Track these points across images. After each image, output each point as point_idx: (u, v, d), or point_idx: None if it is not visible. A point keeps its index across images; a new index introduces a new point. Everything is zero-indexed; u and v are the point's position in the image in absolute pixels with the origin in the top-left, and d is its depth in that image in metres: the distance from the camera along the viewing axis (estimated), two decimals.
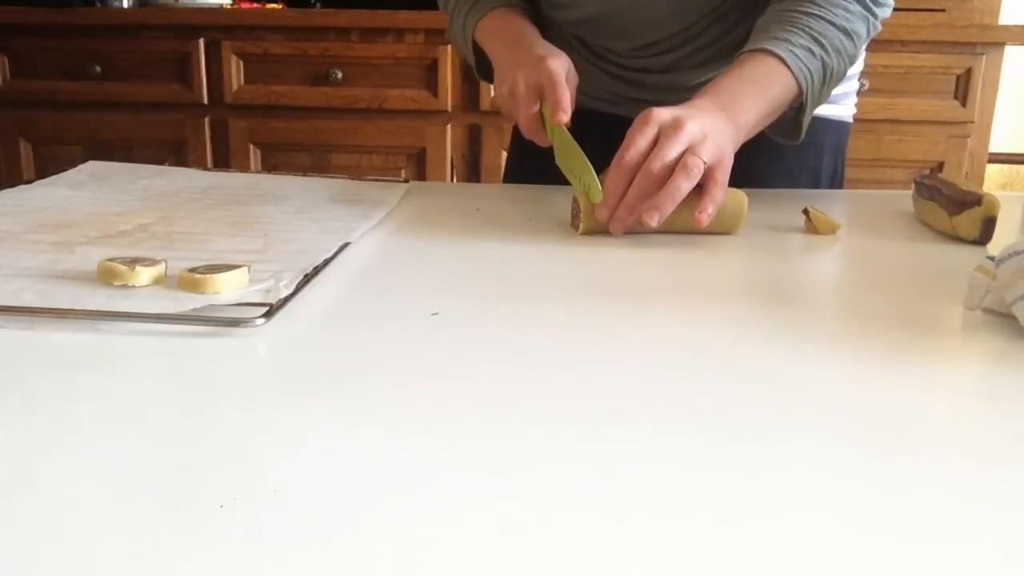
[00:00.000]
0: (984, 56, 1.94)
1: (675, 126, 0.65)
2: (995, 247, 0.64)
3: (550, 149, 0.77)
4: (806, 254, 0.65)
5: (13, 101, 2.08)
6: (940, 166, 2.00)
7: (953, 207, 0.69)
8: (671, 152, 0.64)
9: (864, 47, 0.82)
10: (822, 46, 0.75)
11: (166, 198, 0.75)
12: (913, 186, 0.78)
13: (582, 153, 0.70)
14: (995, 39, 1.93)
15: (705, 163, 0.64)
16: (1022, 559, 0.26)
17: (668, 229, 0.69)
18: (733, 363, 0.42)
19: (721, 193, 0.66)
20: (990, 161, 2.07)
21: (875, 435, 0.34)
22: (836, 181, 1.01)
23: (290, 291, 0.49)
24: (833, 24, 0.76)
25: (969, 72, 1.95)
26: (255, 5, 2.13)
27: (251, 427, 0.34)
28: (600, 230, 0.68)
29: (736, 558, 0.26)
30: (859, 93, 1.01)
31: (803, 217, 0.72)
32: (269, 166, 2.09)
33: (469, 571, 0.25)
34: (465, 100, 2.02)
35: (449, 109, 2.02)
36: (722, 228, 0.70)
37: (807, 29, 0.75)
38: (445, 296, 0.51)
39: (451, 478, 0.30)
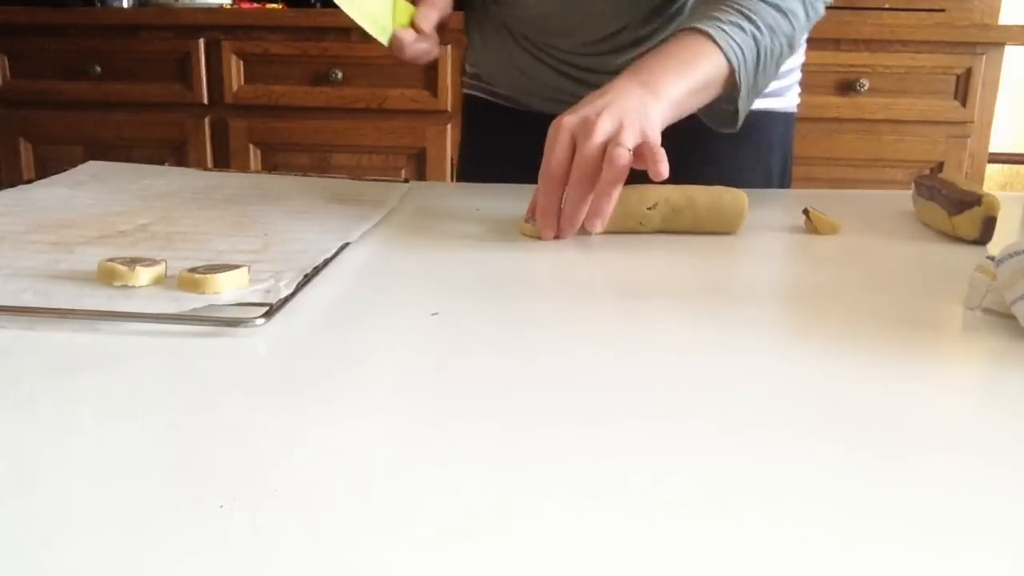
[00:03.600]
0: (984, 56, 1.94)
1: (586, 126, 0.64)
2: (995, 247, 0.64)
3: (499, 145, 0.78)
4: (806, 254, 0.65)
5: (13, 101, 2.08)
6: (940, 166, 2.00)
7: (953, 207, 0.69)
8: (591, 153, 0.63)
9: (806, 31, 0.79)
10: (753, 23, 0.74)
11: (166, 198, 0.75)
12: (913, 186, 0.78)
13: None
14: (995, 39, 1.93)
15: (629, 149, 0.63)
16: (1022, 559, 0.26)
17: (668, 229, 0.69)
18: (733, 363, 0.42)
19: (663, 166, 0.64)
20: (990, 161, 2.07)
21: (875, 435, 0.34)
22: (787, 175, 1.01)
23: (290, 291, 0.49)
24: (765, 1, 0.74)
25: (969, 72, 1.95)
26: (255, 5, 2.13)
27: (251, 427, 0.34)
28: (615, 229, 0.68)
29: (737, 557, 0.26)
30: (798, 85, 0.99)
31: (803, 217, 0.72)
32: (269, 166, 2.09)
33: (469, 571, 0.25)
34: None
35: (449, 109, 2.02)
36: (722, 228, 0.70)
37: (736, 6, 0.74)
38: (445, 296, 0.51)
39: (451, 478, 0.30)
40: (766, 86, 0.79)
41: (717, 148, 0.91)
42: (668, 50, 0.73)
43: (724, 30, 0.73)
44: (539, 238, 0.67)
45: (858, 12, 2.04)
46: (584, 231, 0.66)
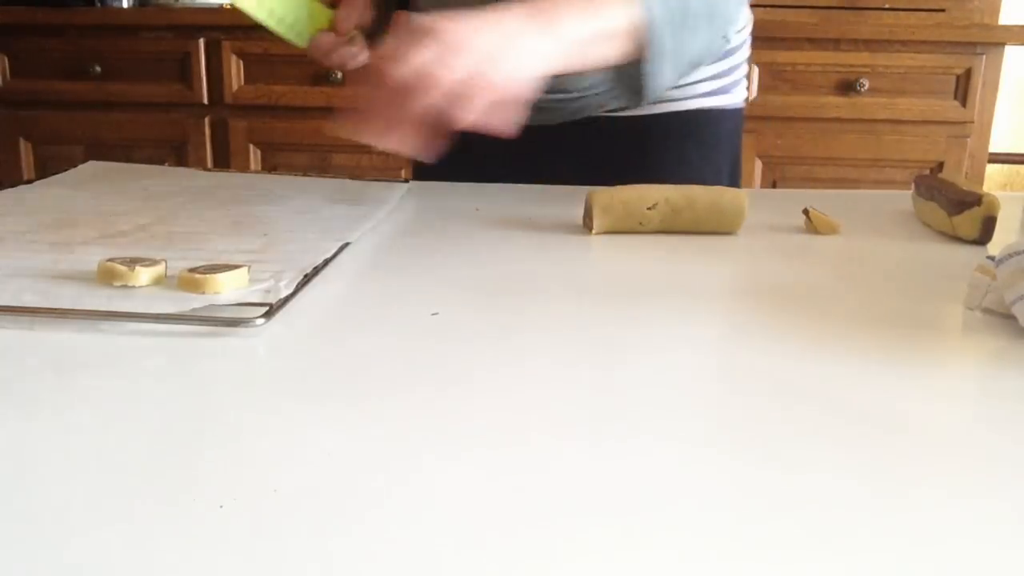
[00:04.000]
0: (984, 56, 1.94)
1: (428, 32, 0.55)
2: (995, 247, 0.64)
3: (459, 143, 0.77)
4: (806, 254, 0.65)
5: (13, 101, 2.08)
6: (940, 166, 2.00)
7: (953, 207, 0.69)
8: (413, 59, 0.54)
9: (742, 7, 0.72)
10: None
11: (166, 198, 0.75)
12: (913, 186, 0.78)
13: None
14: (995, 39, 1.93)
15: (454, 78, 0.54)
16: (1022, 559, 0.26)
17: (668, 229, 0.69)
18: (733, 363, 0.42)
19: (459, 110, 0.55)
20: (990, 161, 2.07)
21: (875, 435, 0.34)
22: (736, 174, 0.98)
23: (290, 291, 0.49)
24: None
25: (969, 72, 1.95)
26: None
27: (251, 427, 0.34)
28: (614, 229, 0.68)
29: (737, 557, 0.26)
30: (745, 79, 0.96)
31: (803, 217, 0.72)
32: (269, 166, 2.09)
33: (469, 570, 0.25)
34: None
35: None
36: (722, 228, 0.70)
37: None
38: (445, 296, 0.51)
39: (451, 478, 0.30)
40: (695, 58, 0.71)
41: (662, 149, 0.88)
42: None
43: None
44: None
45: (858, 12, 2.04)
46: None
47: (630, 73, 0.69)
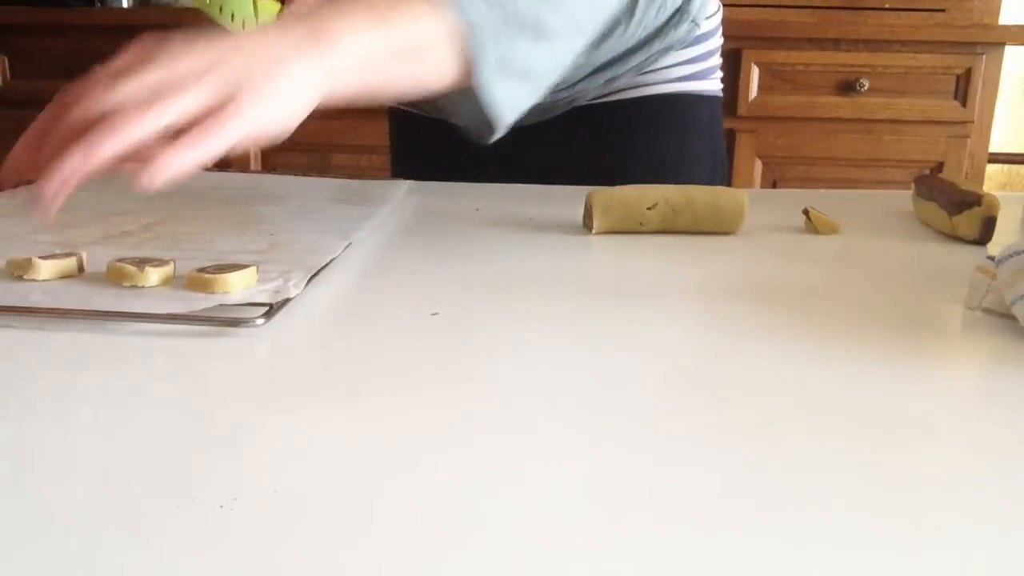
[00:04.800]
0: (984, 56, 1.94)
1: (156, 52, 0.46)
2: (995, 247, 0.64)
3: (431, 139, 0.73)
4: (806, 254, 0.65)
5: (13, 101, 2.08)
6: (940, 166, 2.00)
7: (953, 207, 0.69)
8: (126, 89, 0.44)
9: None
10: None
11: (168, 198, 0.76)
12: (913, 186, 0.78)
13: None
14: (995, 39, 1.93)
15: (187, 106, 0.44)
16: (1022, 559, 0.26)
17: (668, 229, 0.70)
18: (733, 363, 0.42)
19: (199, 142, 0.43)
20: (990, 161, 2.07)
21: (874, 435, 0.34)
22: (719, 164, 0.97)
23: (299, 290, 0.49)
24: None
25: (969, 72, 1.95)
26: None
27: (251, 427, 0.34)
28: (614, 229, 0.68)
29: (737, 557, 0.26)
30: (719, 70, 0.96)
31: (803, 217, 0.72)
32: (269, 166, 2.09)
33: (469, 570, 0.25)
34: None
35: None
36: (722, 228, 0.70)
37: None
38: (445, 296, 0.52)
39: (451, 477, 0.30)
40: (552, 65, 0.58)
41: (637, 140, 0.88)
42: None
43: None
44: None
45: (858, 12, 2.04)
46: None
47: (464, 93, 0.55)
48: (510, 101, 0.56)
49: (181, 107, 0.43)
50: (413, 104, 0.95)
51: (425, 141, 0.99)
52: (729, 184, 0.99)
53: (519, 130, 0.91)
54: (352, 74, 0.49)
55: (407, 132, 1.01)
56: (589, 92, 0.90)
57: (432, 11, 0.50)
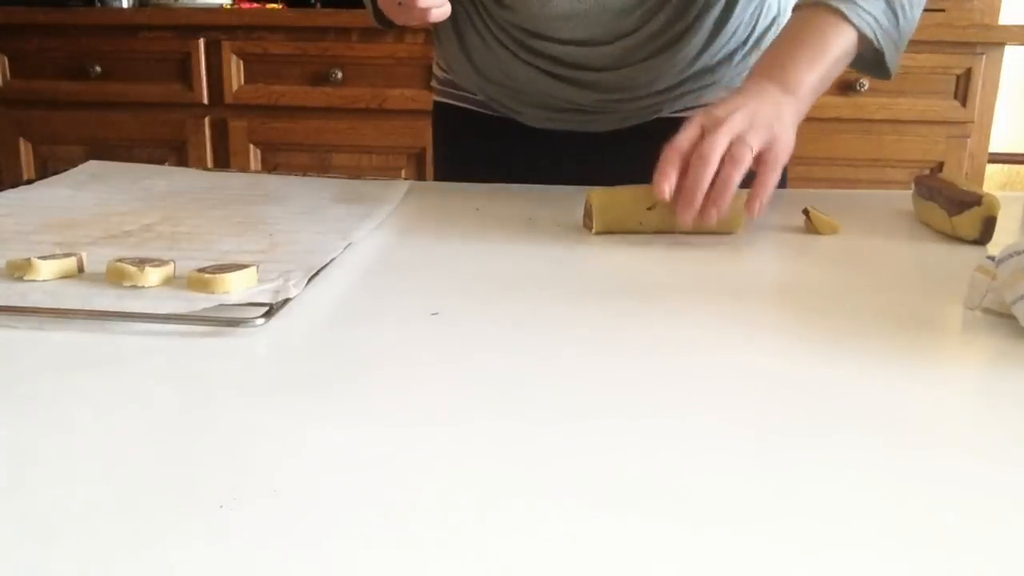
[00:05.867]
0: (984, 56, 1.94)
1: (716, 122, 0.65)
2: (995, 247, 0.64)
3: (477, 154, 0.75)
4: (806, 254, 0.65)
5: (13, 101, 2.07)
6: (940, 166, 2.00)
7: (953, 207, 0.69)
8: (714, 141, 0.64)
9: None
10: None
11: (168, 198, 0.75)
12: (913, 186, 0.78)
13: None
14: (995, 39, 1.93)
15: (752, 148, 0.64)
16: (1022, 558, 0.26)
17: (668, 229, 0.69)
18: (733, 362, 0.42)
19: (773, 177, 0.65)
20: (990, 161, 2.07)
21: (875, 434, 0.34)
22: (783, 174, 1.00)
23: (300, 290, 0.49)
24: None
25: (969, 72, 1.95)
26: (255, 5, 2.13)
27: (251, 427, 0.34)
28: (613, 229, 0.68)
29: (738, 557, 0.26)
30: (858, 92, 1.01)
31: (803, 217, 0.72)
32: (269, 166, 2.09)
33: (470, 569, 0.25)
34: None
35: None
36: (722, 228, 0.70)
37: None
38: (444, 296, 0.51)
39: (451, 477, 0.30)
40: (912, 30, 0.77)
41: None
42: (798, 36, 0.72)
43: (855, 2, 0.71)
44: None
45: None
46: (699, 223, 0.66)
47: (868, 61, 0.77)
48: (897, 62, 0.78)
49: (754, 146, 0.65)
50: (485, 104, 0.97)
51: (472, 141, 1.00)
52: (784, 186, 0.99)
53: (584, 136, 0.92)
54: (806, 103, 0.71)
55: (456, 132, 1.01)
56: (676, 102, 0.91)
57: (847, 33, 0.71)
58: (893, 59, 0.76)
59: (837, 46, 0.72)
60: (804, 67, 0.70)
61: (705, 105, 0.89)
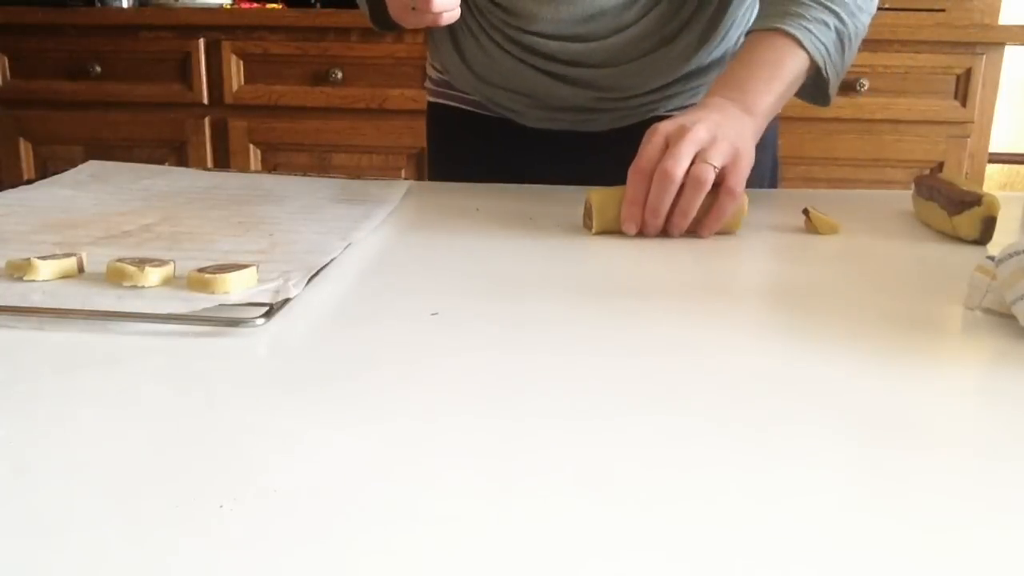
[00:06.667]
0: (984, 56, 1.94)
1: (680, 133, 0.66)
2: (995, 247, 0.64)
3: (471, 154, 0.76)
4: (806, 254, 0.65)
5: (13, 101, 2.08)
6: (940, 166, 2.00)
7: (953, 207, 0.69)
8: (681, 154, 0.65)
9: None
10: (836, 15, 0.74)
11: (168, 198, 0.76)
12: (913, 186, 0.78)
13: None
14: (995, 39, 1.93)
15: (715, 167, 0.65)
16: (1022, 558, 0.26)
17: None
18: (733, 362, 0.42)
19: (731, 205, 0.67)
20: (990, 161, 2.07)
21: (875, 435, 0.34)
22: (776, 174, 1.01)
23: (299, 290, 0.49)
24: None
25: (969, 72, 1.95)
26: (255, 5, 2.13)
27: (251, 427, 0.34)
28: (613, 229, 0.68)
29: (736, 556, 0.26)
30: (858, 92, 1.02)
31: (803, 217, 0.72)
32: (269, 166, 2.09)
33: (470, 569, 0.25)
34: None
35: None
36: (722, 228, 0.70)
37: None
38: (445, 296, 0.51)
39: (451, 477, 0.30)
40: (849, 65, 0.80)
41: None
42: (755, 58, 0.74)
43: (810, 30, 0.73)
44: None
45: None
46: (665, 233, 0.68)
47: (808, 90, 0.80)
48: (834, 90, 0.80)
49: (716, 163, 0.66)
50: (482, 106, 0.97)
51: (468, 141, 0.99)
52: (775, 185, 0.99)
53: (581, 136, 0.92)
54: (763, 122, 0.73)
55: (452, 132, 1.01)
56: (672, 101, 0.92)
57: (800, 59, 0.74)
58: (834, 88, 0.79)
59: (792, 70, 0.74)
60: (763, 88, 0.72)
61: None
